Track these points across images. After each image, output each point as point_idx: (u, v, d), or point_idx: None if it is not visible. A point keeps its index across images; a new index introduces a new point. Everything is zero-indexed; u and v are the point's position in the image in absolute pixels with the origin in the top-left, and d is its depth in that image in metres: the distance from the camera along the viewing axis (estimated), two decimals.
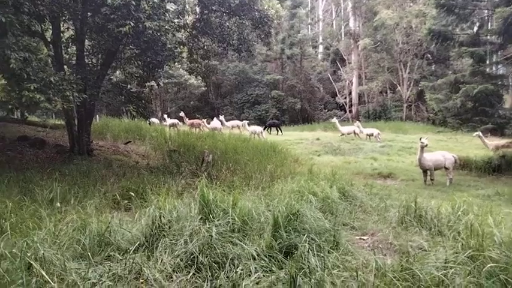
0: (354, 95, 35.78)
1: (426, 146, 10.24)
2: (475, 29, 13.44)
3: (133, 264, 3.54)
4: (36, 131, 13.70)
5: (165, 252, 3.87)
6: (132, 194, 5.99)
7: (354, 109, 35.67)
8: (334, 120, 22.40)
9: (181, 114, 23.01)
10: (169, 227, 4.36)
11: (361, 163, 14.00)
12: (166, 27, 9.51)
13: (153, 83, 13.63)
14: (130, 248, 3.85)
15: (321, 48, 43.89)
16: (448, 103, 12.16)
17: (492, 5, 11.73)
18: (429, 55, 32.70)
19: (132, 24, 7.88)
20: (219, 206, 4.72)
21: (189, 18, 13.24)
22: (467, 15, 12.11)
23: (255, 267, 3.61)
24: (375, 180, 11.13)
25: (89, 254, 3.71)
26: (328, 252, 4.06)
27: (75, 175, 7.84)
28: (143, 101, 11.80)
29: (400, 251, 4.06)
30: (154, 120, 22.28)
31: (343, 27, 40.08)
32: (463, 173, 12.19)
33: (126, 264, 3.56)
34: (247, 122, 23.23)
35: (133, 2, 7.67)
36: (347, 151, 16.87)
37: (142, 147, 12.61)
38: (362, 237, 5.23)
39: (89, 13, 9.56)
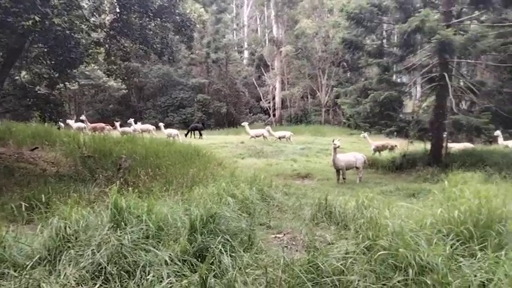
0: (277, 99, 37.10)
1: (338, 147, 11.03)
2: (385, 40, 14.88)
3: (30, 281, 3.25)
4: None
5: (69, 264, 3.62)
6: (37, 203, 5.49)
7: (277, 113, 36.98)
8: (244, 123, 23.25)
9: (82, 117, 21.69)
10: (76, 238, 4.09)
11: (282, 165, 14.57)
12: (78, 24, 8.91)
13: (64, 84, 12.62)
14: (28, 263, 3.52)
15: (246, 54, 44.78)
16: (358, 108, 13.23)
17: (394, 20, 13.09)
18: (345, 63, 35.24)
19: (37, 18, 7.21)
20: (132, 213, 4.56)
21: (107, 18, 12.56)
22: (373, 27, 13.34)
23: (168, 273, 3.56)
24: (294, 180, 11.67)
25: None
26: (244, 251, 4.16)
27: None
28: (52, 104, 10.86)
29: (309, 246, 4.32)
30: (61, 124, 20.69)
31: (267, 34, 41.39)
32: (371, 171, 13.36)
33: (21, 281, 3.25)
34: (163, 124, 22.70)
35: None
36: (270, 154, 17.42)
37: (51, 153, 11.55)
38: (277, 236, 5.46)
39: None
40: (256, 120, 37.58)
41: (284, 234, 5.45)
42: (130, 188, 5.95)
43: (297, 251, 4.63)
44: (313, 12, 34.54)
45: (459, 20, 12.49)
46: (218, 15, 36.28)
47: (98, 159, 10.58)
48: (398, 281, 3.39)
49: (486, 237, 3.81)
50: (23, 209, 5.28)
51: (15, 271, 3.48)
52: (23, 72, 12.32)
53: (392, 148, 15.88)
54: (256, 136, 21.66)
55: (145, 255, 3.81)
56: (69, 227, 4.13)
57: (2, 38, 9.44)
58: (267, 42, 40.76)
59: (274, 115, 37.27)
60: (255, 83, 39.23)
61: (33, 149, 11.56)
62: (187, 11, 11.73)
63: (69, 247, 3.92)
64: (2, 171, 8.69)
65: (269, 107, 37.82)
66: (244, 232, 4.69)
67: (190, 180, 8.96)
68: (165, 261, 3.76)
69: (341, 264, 3.45)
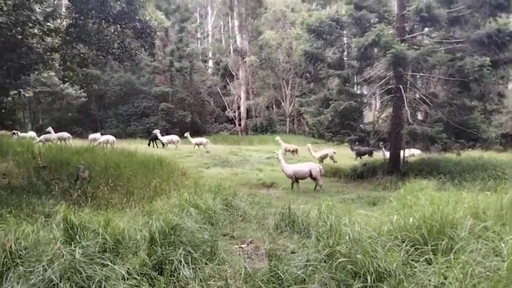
0: (243, 109, 37.21)
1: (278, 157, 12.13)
2: (345, 53, 15.38)
3: None
4: None
5: (18, 282, 3.40)
6: None
7: (242, 123, 37.06)
8: (156, 131, 23.89)
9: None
10: (26, 254, 3.85)
11: (247, 174, 14.55)
12: (30, 25, 8.51)
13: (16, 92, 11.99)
14: None
15: (210, 63, 44.70)
16: (320, 117, 13.55)
17: (352, 34, 13.61)
18: (308, 74, 35.96)
19: None
20: (87, 227, 4.37)
21: (63, 23, 12.12)
22: (333, 40, 13.79)
23: (125, 287, 3.43)
24: (259, 190, 11.68)
25: None
26: (206, 263, 4.09)
27: None
28: (4, 111, 10.26)
29: (271, 255, 4.32)
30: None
31: (231, 44, 41.61)
32: (334, 180, 13.65)
33: None
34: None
35: None
36: (235, 163, 17.37)
37: (3, 164, 10.88)
38: (241, 246, 5.42)
39: None
40: (222, 130, 37.44)
41: (247, 244, 5.41)
42: (93, 200, 5.70)
43: (259, 260, 4.61)
44: (276, 23, 35.20)
45: (412, 35, 13.20)
46: (181, 24, 36.05)
47: (54, 170, 10.08)
48: None
49: (439, 243, 3.98)
50: None
51: None
52: None
53: (295, 151, 19.22)
54: (168, 143, 22.57)
55: (101, 270, 3.66)
56: (14, 243, 3.87)
57: None
58: (231, 52, 40.94)
59: (239, 124, 37.34)
60: (220, 92, 39.18)
61: None
62: (148, 18, 11.57)
63: (17, 263, 3.69)
64: None
65: (234, 116, 37.84)
66: (206, 243, 4.62)
67: (152, 191, 8.75)
68: (123, 275, 3.63)
69: (302, 273, 3.47)
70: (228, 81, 39.14)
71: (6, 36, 7.42)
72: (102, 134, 22.84)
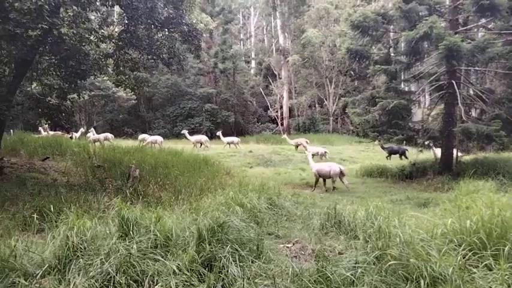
0: (285, 108, 37.12)
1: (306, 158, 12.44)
2: (391, 49, 14.82)
3: None
4: None
5: (79, 274, 3.64)
6: (48, 213, 5.54)
7: (285, 122, 36.97)
8: (184, 131, 24.12)
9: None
10: (85, 247, 4.12)
11: (290, 174, 14.51)
12: (87, 35, 9.05)
13: (75, 95, 12.83)
14: (38, 272, 3.55)
15: (253, 63, 45.05)
16: (367, 116, 13.16)
17: (400, 29, 13.07)
18: (352, 72, 35.18)
19: (44, 26, 7.31)
20: (139, 223, 4.57)
21: (116, 29, 12.79)
22: (379, 36, 13.32)
23: (176, 282, 3.56)
24: (302, 189, 11.60)
25: None
26: (252, 261, 4.13)
27: None
28: (64, 114, 11.03)
29: (318, 256, 4.27)
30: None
31: (273, 43, 41.65)
32: (381, 180, 13.21)
33: None
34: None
35: (47, 6, 7.15)
36: (278, 162, 17.39)
37: (62, 163, 11.71)
38: (286, 245, 5.41)
39: None
40: (264, 130, 37.60)
41: (293, 244, 5.40)
42: (144, 198, 5.97)
43: (305, 260, 4.58)
44: (319, 21, 34.68)
45: (466, 27, 12.43)
46: (225, 26, 36.65)
47: (107, 169, 10.67)
48: None
49: (500, 248, 3.73)
50: (34, 218, 5.32)
51: (25, 280, 3.51)
52: (34, 84, 12.56)
53: (304, 145, 20.15)
54: (197, 142, 22.58)
55: (154, 265, 3.82)
56: (76, 236, 4.15)
57: (13, 50, 9.65)
58: (274, 51, 40.99)
59: (282, 124, 37.30)
60: (262, 92, 39.36)
61: (45, 159, 11.72)
62: (194, 21, 11.88)
63: (78, 256, 3.95)
64: (14, 181, 8.81)
65: (277, 116, 37.86)
66: (252, 241, 4.66)
67: (198, 189, 8.99)
68: (173, 270, 3.76)
69: (351, 274, 3.40)
70: (271, 81, 39.23)
71: (69, 45, 7.96)
72: (150, 135, 23.80)
